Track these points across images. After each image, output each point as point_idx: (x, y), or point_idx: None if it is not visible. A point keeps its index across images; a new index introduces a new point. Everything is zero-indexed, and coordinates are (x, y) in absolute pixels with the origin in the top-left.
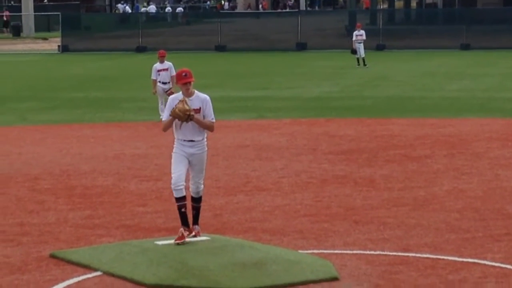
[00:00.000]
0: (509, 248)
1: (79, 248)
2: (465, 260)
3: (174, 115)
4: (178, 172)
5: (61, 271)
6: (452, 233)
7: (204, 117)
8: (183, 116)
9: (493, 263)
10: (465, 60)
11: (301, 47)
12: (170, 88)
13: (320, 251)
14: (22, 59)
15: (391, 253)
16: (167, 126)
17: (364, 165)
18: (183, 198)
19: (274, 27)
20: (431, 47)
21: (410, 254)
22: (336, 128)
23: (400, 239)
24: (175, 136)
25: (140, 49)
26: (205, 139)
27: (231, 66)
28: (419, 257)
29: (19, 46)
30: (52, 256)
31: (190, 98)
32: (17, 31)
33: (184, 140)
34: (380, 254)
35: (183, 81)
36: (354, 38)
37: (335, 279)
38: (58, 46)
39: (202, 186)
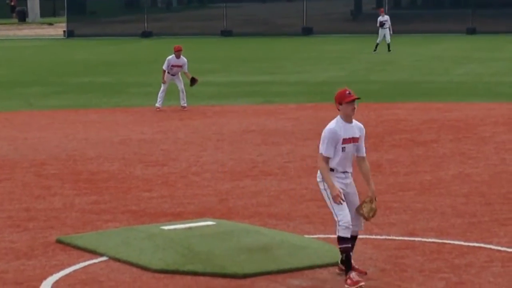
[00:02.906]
0: None
1: (86, 233)
2: (471, 244)
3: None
4: (346, 209)
5: (67, 256)
6: (458, 218)
7: (357, 150)
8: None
9: (499, 247)
10: (471, 44)
11: (307, 31)
12: (195, 80)
13: (326, 236)
14: (28, 44)
15: (397, 238)
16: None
17: (371, 149)
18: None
19: (280, 12)
20: (437, 31)
21: (416, 239)
22: None
23: (406, 224)
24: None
25: (146, 34)
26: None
27: (237, 51)
28: (425, 241)
29: (25, 31)
30: (59, 241)
31: (351, 125)
32: (22, 17)
33: (341, 172)
34: (386, 239)
35: (350, 98)
36: (378, 24)
37: None
38: (64, 31)
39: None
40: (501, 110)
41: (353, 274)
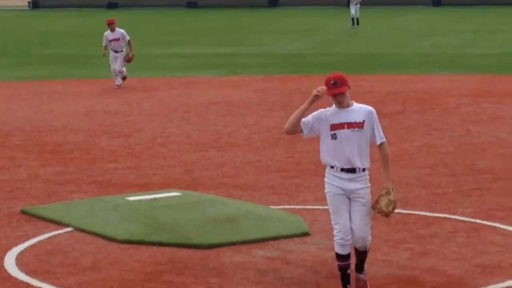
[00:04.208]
0: (479, 203)
1: (51, 204)
2: (435, 215)
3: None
4: (343, 219)
5: (32, 227)
6: (423, 189)
7: (368, 137)
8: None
9: (464, 218)
10: (437, 16)
11: (273, 3)
12: (128, 54)
13: (292, 206)
14: None
15: None
16: (294, 123)
17: None
18: (348, 256)
19: None
20: (403, 3)
21: None
22: (308, 84)
23: (372, 195)
24: (325, 162)
25: (111, 6)
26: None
27: (203, 23)
28: None
29: None
30: (23, 212)
31: (348, 109)
32: None
33: (341, 170)
34: None
35: (332, 92)
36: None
37: (306, 234)
38: (29, 2)
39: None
40: (466, 82)
41: None
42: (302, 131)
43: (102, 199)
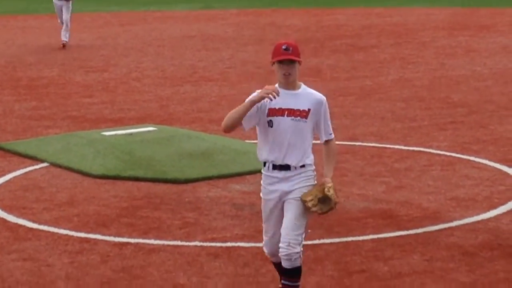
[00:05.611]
0: (454, 136)
1: (26, 140)
2: (410, 148)
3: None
4: (272, 231)
5: (7, 163)
6: (398, 122)
7: (315, 129)
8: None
9: (438, 151)
10: None
11: None
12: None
13: None
14: None
15: (337, 142)
16: (234, 120)
17: (311, 55)
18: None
19: None
20: None
21: (357, 143)
22: (283, 18)
23: (347, 129)
24: (261, 157)
25: None
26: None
27: None
28: (365, 146)
29: None
30: None
31: (294, 92)
32: None
33: (274, 167)
34: None
35: (280, 57)
36: None
37: None
38: None
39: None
40: (441, 15)
41: None
42: (242, 124)
43: (77, 134)
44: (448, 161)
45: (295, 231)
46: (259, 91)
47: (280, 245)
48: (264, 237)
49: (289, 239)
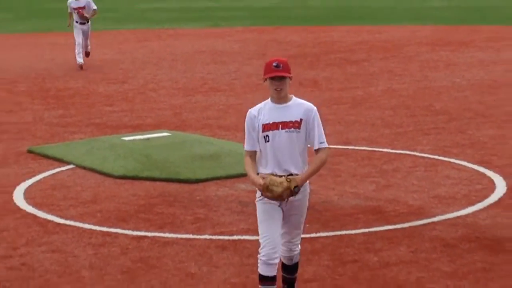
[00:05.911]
0: (436, 140)
1: (54, 144)
2: (397, 151)
3: (272, 196)
4: (269, 234)
5: (38, 165)
6: (386, 128)
7: (306, 138)
8: (285, 192)
9: (422, 154)
10: None
11: None
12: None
13: None
14: None
15: (332, 146)
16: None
17: (308, 68)
18: (274, 279)
19: None
20: None
21: (349, 147)
22: (284, 35)
23: (340, 134)
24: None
25: None
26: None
27: None
28: (357, 149)
29: None
30: (30, 151)
31: (285, 105)
32: None
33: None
34: None
35: (271, 74)
36: None
37: None
38: None
39: (298, 249)
40: (425, 32)
41: None
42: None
43: (100, 139)
44: (431, 163)
45: (295, 238)
46: (261, 182)
47: (282, 247)
48: (264, 243)
49: (291, 245)
